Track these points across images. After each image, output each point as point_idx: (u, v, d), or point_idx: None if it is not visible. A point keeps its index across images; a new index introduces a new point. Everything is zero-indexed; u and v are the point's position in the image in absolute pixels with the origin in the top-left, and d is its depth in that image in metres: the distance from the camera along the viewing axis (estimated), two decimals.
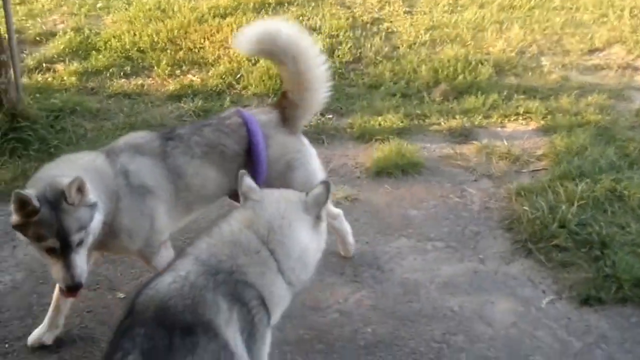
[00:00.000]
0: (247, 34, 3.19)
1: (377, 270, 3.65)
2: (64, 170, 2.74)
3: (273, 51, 3.19)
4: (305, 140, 3.34)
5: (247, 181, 2.34)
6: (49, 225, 2.55)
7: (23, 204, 2.52)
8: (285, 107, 3.24)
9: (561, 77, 5.81)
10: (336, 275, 3.61)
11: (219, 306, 2.04)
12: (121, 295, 3.49)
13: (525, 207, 3.97)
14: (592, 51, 6.26)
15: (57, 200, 2.55)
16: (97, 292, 3.50)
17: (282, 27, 3.18)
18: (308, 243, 2.31)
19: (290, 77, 3.23)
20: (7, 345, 3.15)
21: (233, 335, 2.05)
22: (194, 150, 3.05)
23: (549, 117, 5.14)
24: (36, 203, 2.49)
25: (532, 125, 5.07)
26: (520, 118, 5.14)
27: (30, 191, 2.54)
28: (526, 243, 3.79)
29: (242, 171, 2.36)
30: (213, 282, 2.08)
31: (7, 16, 4.81)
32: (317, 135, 4.94)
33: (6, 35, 4.81)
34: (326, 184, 2.35)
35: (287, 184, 3.03)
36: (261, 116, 3.22)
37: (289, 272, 2.25)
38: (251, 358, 2.12)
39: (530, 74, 5.86)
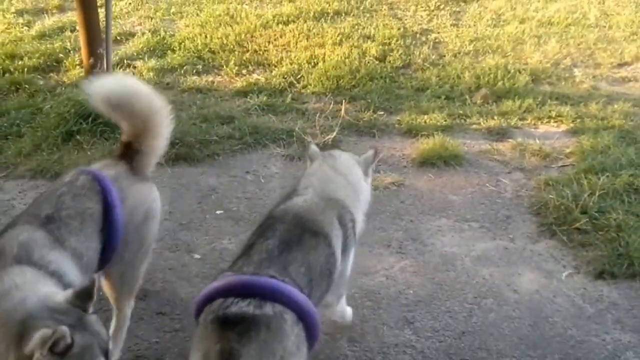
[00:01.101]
0: (102, 92, 2.93)
1: (419, 244, 4.03)
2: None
3: (127, 113, 2.94)
4: (155, 187, 3.10)
5: (313, 147, 3.14)
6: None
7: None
8: (132, 156, 2.97)
9: (591, 87, 6.09)
10: (383, 247, 4.01)
11: (333, 224, 2.76)
12: (197, 256, 3.87)
13: (551, 196, 4.31)
14: (621, 65, 6.51)
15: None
16: (177, 253, 3.89)
17: (139, 90, 2.95)
18: (364, 188, 3.09)
19: (136, 130, 2.96)
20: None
21: (337, 247, 2.75)
22: (73, 225, 2.61)
23: (578, 120, 5.43)
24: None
25: (563, 127, 5.37)
26: (552, 121, 5.45)
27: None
28: (551, 226, 4.13)
29: (309, 140, 2.88)
30: (335, 212, 2.81)
31: (107, 16, 5.28)
32: (369, 130, 5.35)
33: (104, 33, 5.32)
34: (375, 150, 3.13)
35: (144, 233, 2.95)
36: (109, 171, 2.89)
37: (364, 200, 3.08)
38: (342, 265, 2.84)
39: (563, 83, 6.15)
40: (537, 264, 3.87)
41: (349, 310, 3.32)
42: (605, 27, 7.33)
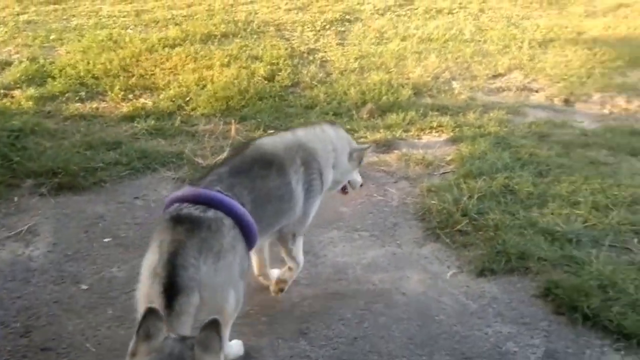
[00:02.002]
0: None
1: (312, 256, 4.08)
2: None
3: None
4: None
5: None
6: None
7: None
8: None
9: (469, 98, 6.39)
10: (277, 262, 4.04)
11: (294, 162, 3.29)
12: (84, 287, 3.75)
13: (434, 201, 4.50)
14: (495, 76, 6.87)
15: None
16: (62, 285, 3.74)
17: None
18: (343, 163, 3.66)
19: None
20: None
21: (296, 181, 3.28)
22: None
23: (457, 129, 5.68)
24: None
25: (444, 136, 5.61)
26: (434, 131, 5.67)
27: None
28: (435, 230, 4.30)
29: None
30: (302, 154, 3.32)
31: None
32: None
33: None
34: (370, 146, 3.95)
35: None
36: None
37: (336, 169, 3.59)
38: (304, 206, 3.39)
39: (443, 95, 6.43)
40: (423, 267, 4.02)
41: (301, 259, 3.67)
42: (480, 41, 7.70)
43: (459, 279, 3.90)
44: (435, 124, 5.78)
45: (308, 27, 8.18)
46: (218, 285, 2.82)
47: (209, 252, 2.73)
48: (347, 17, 8.53)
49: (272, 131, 5.65)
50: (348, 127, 5.73)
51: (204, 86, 6.42)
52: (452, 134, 5.64)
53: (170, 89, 6.41)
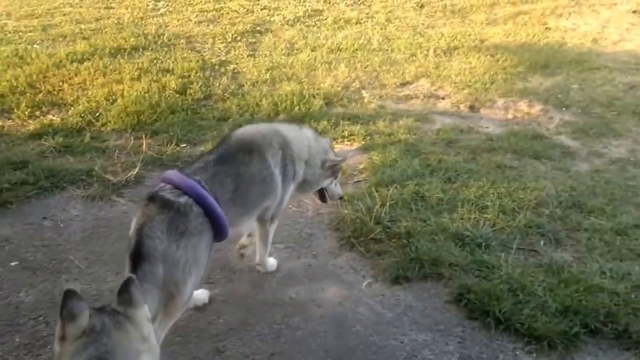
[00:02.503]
0: None
1: (228, 272, 3.96)
2: None
3: None
4: None
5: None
6: None
7: None
8: None
9: (378, 106, 6.39)
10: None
11: (272, 147, 3.55)
12: None
13: (347, 211, 4.45)
14: (403, 84, 6.91)
15: None
16: None
17: None
18: (315, 166, 3.86)
19: None
20: None
21: (274, 164, 3.53)
22: None
23: (368, 138, 5.65)
24: None
25: (355, 145, 5.57)
26: (346, 140, 5.63)
27: None
28: (350, 239, 4.23)
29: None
30: (278, 140, 3.58)
31: None
32: (173, 163, 5.19)
33: None
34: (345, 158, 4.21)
35: None
36: None
37: (308, 167, 3.81)
38: (281, 193, 3.65)
39: (353, 104, 6.41)
40: (339, 277, 3.94)
41: (269, 243, 3.95)
42: (387, 50, 7.74)
43: (374, 288, 3.84)
44: (347, 133, 5.74)
45: (219, 39, 8.02)
46: (179, 262, 2.96)
47: (173, 231, 2.96)
48: (258, 28, 8.43)
49: (184, 145, 5.50)
50: None
51: (114, 101, 6.19)
52: (363, 142, 5.61)
53: (79, 105, 6.15)
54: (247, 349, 3.34)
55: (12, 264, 3.97)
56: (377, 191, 4.66)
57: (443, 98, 6.62)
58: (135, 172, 4.98)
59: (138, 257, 2.82)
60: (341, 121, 5.99)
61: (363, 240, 4.22)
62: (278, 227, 4.40)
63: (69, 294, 1.98)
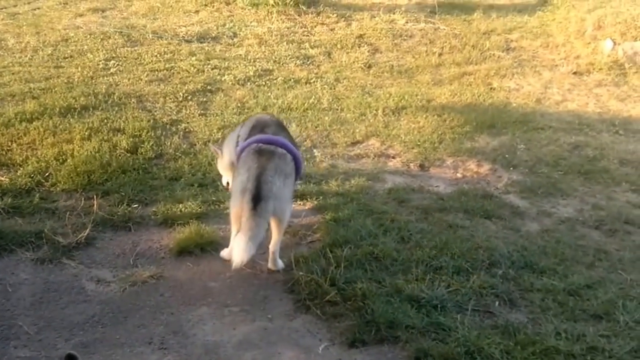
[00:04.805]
0: None
1: (181, 337, 3.90)
2: None
3: None
4: None
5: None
6: None
7: None
8: None
9: (330, 165, 6.42)
10: (144, 345, 3.82)
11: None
12: None
13: (301, 272, 4.44)
14: (354, 143, 6.96)
15: None
16: None
17: None
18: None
19: None
20: None
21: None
22: None
23: (321, 197, 5.67)
24: None
25: (308, 205, 5.58)
26: (299, 200, 5.60)
27: None
28: (305, 301, 4.22)
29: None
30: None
31: None
32: (125, 223, 5.14)
33: None
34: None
35: None
36: None
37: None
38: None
39: (305, 163, 6.42)
40: (295, 341, 3.92)
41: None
42: (337, 109, 7.82)
43: (331, 352, 3.83)
44: (299, 193, 5.73)
45: (170, 98, 8.00)
46: (284, 197, 4.43)
47: (280, 174, 4.38)
48: (209, 87, 8.44)
49: (136, 205, 5.43)
50: (214, 198, 5.64)
51: (64, 161, 6.06)
52: (316, 202, 5.62)
53: (28, 165, 5.98)
54: None
55: None
56: (331, 252, 4.66)
57: (393, 157, 6.71)
58: (85, 234, 4.89)
59: (258, 198, 4.20)
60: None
61: (319, 303, 4.21)
62: (232, 289, 4.41)
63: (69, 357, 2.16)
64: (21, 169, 5.96)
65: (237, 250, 4.25)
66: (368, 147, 6.92)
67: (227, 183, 5.28)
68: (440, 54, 9.90)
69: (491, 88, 8.83)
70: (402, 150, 6.82)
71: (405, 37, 10.50)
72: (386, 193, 5.90)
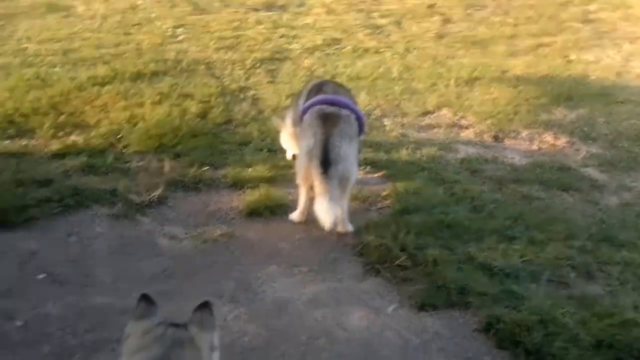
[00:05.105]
0: None
1: (251, 293, 4.04)
2: None
3: None
4: None
5: None
6: None
7: None
8: None
9: (400, 134, 6.47)
10: (216, 298, 3.95)
11: None
12: (19, 323, 3.65)
13: (372, 237, 4.52)
14: (425, 113, 6.99)
15: None
16: None
17: None
18: None
19: None
20: None
21: None
22: None
23: (391, 166, 5.72)
24: None
25: (378, 173, 5.64)
26: (368, 167, 5.69)
27: None
28: (375, 265, 4.29)
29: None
30: None
31: None
32: (195, 185, 5.32)
33: None
34: None
35: None
36: None
37: None
38: None
39: (375, 132, 6.50)
40: (364, 302, 4.00)
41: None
42: (408, 80, 7.85)
43: (400, 314, 3.90)
44: (369, 160, 5.81)
45: (238, 66, 8.17)
46: (351, 159, 4.50)
47: (345, 137, 4.44)
48: (277, 55, 8.58)
49: (206, 168, 5.61)
50: (282, 163, 5.75)
51: (136, 124, 6.30)
52: (386, 170, 5.67)
53: (101, 127, 6.25)
54: None
55: (40, 276, 4.09)
56: (402, 218, 4.73)
57: (466, 128, 6.70)
58: (158, 193, 5.08)
59: (327, 162, 4.31)
60: (363, 148, 6.05)
61: (388, 267, 4.28)
62: (301, 250, 4.53)
63: (144, 297, 2.13)
64: (95, 130, 6.22)
65: (323, 214, 4.34)
66: (440, 117, 6.94)
67: (293, 156, 5.40)
68: (514, 25, 9.79)
69: (568, 60, 8.69)
70: (476, 121, 6.81)
71: (478, 8, 10.42)
72: (458, 163, 5.91)
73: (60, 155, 5.73)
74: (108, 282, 4.08)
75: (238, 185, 5.37)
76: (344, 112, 4.54)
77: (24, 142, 6.00)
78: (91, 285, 4.03)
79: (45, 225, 4.64)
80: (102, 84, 7.28)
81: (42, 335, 3.57)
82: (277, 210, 4.99)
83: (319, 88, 4.84)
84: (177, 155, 5.81)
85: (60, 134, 6.16)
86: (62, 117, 6.43)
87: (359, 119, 4.65)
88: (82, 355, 3.44)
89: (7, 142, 5.98)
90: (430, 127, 6.74)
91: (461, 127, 6.75)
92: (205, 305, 2.02)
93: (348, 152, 4.46)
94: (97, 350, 3.47)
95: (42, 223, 4.66)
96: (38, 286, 4.00)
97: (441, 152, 6.10)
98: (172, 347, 1.91)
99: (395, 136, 6.46)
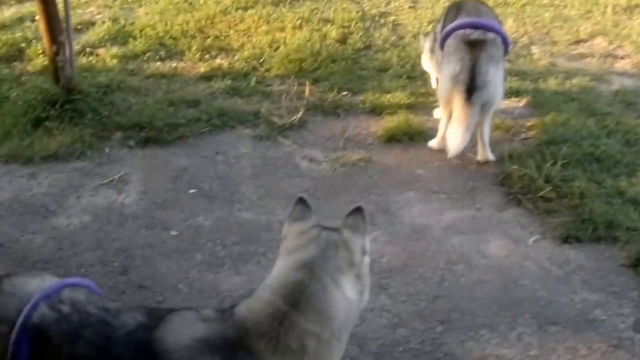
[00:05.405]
0: None
1: (390, 216, 4.11)
2: None
3: None
4: None
5: None
6: None
7: None
8: None
9: (549, 63, 6.20)
10: None
11: None
12: (174, 233, 3.93)
13: (515, 166, 4.43)
14: (577, 42, 6.64)
15: None
16: (153, 230, 3.96)
17: None
18: None
19: None
20: (82, 270, 3.60)
21: None
22: None
23: (538, 95, 5.52)
24: None
25: (523, 102, 5.47)
26: (513, 96, 5.51)
27: None
28: (516, 195, 4.23)
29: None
30: None
31: (66, 5, 5.16)
32: (334, 110, 5.40)
33: (64, 20, 5.23)
34: None
35: None
36: None
37: None
38: None
39: (521, 60, 6.27)
40: (504, 231, 3.97)
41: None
42: (559, 6, 7.48)
43: (542, 245, 3.84)
44: (514, 89, 5.63)
45: None
46: (496, 84, 4.44)
47: (492, 61, 4.37)
48: None
49: (345, 93, 5.66)
50: (422, 90, 5.70)
51: (277, 48, 6.44)
52: (532, 99, 5.49)
53: (244, 50, 6.45)
54: (410, 289, 3.49)
55: (191, 191, 4.37)
56: (547, 149, 4.59)
57: (622, 58, 6.32)
58: (298, 116, 5.21)
59: (472, 88, 4.29)
60: (508, 76, 5.86)
61: (531, 197, 4.21)
62: (439, 177, 4.54)
63: (300, 200, 2.17)
64: (238, 54, 6.43)
65: (453, 140, 4.36)
66: (593, 46, 6.59)
67: (437, 80, 5.33)
68: None
69: None
70: (633, 51, 6.41)
71: None
72: (612, 95, 5.62)
73: (206, 77, 6.00)
74: (253, 199, 4.29)
75: (376, 111, 5.39)
76: (490, 35, 4.42)
77: (173, 64, 6.32)
78: (238, 202, 4.26)
79: (194, 144, 4.93)
80: (245, 8, 7.45)
81: (195, 245, 3.84)
82: (416, 137, 4.99)
83: (458, 8, 4.67)
84: (316, 80, 5.90)
85: (207, 56, 6.41)
86: (208, 41, 6.69)
87: (504, 40, 4.52)
88: (231, 266, 3.67)
89: (158, 63, 6.31)
90: (582, 56, 6.41)
91: (616, 57, 6.38)
92: (358, 211, 2.07)
93: (494, 76, 4.40)
94: (245, 261, 3.69)
95: (191, 141, 4.95)
96: (190, 200, 4.28)
97: (593, 82, 5.81)
98: (326, 248, 1.97)
99: (543, 65, 6.21)
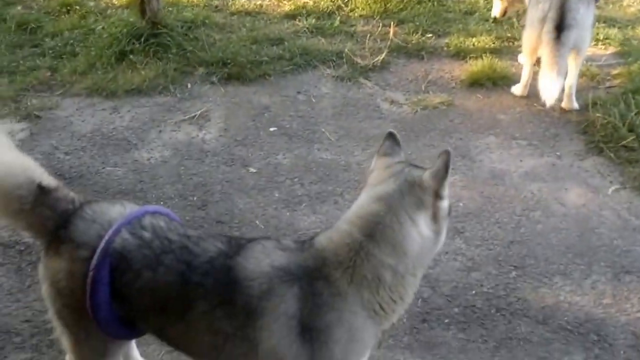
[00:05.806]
0: None
1: (468, 160, 4.15)
2: None
3: None
4: None
5: None
6: None
7: None
8: None
9: (639, 11, 6.04)
10: (433, 162, 4.14)
11: None
12: (253, 170, 4.05)
13: (599, 114, 4.38)
14: None
15: None
16: (233, 167, 4.08)
17: None
18: None
19: None
20: (162, 203, 3.71)
21: None
22: None
23: (626, 43, 5.40)
24: None
25: (610, 49, 5.36)
26: (600, 43, 5.41)
27: None
28: (598, 143, 4.22)
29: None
30: None
31: None
32: (418, 52, 5.43)
33: None
34: None
35: None
36: None
37: None
38: None
39: (610, 6, 6.10)
40: (584, 180, 3.98)
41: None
42: None
43: (621, 195, 3.84)
44: (601, 36, 5.51)
45: None
46: (586, 25, 4.39)
47: (583, 0, 4.29)
48: None
49: (429, 35, 5.65)
50: (508, 35, 5.65)
51: None
52: (619, 48, 5.37)
53: None
54: (486, 234, 3.55)
55: (271, 129, 4.49)
56: (633, 99, 4.51)
57: None
58: (381, 58, 5.25)
59: (561, 26, 4.25)
60: (596, 23, 5.72)
61: (613, 146, 4.18)
62: (521, 123, 4.53)
63: (390, 135, 2.22)
64: None
65: (547, 86, 4.33)
66: None
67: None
68: None
69: None
70: None
71: None
72: None
73: (291, 15, 6.09)
74: (333, 139, 4.39)
75: (460, 54, 5.39)
76: None
77: (258, 1, 6.42)
78: (317, 141, 4.36)
79: (276, 82, 5.04)
80: None
81: (273, 182, 3.95)
82: (499, 82, 4.98)
83: None
84: (401, 21, 5.91)
85: None
86: None
87: None
88: (308, 204, 3.78)
89: (243, 0, 6.41)
90: None
91: None
92: (444, 154, 2.11)
93: (585, 17, 4.35)
94: (322, 201, 3.80)
95: (273, 80, 5.06)
96: (269, 138, 4.40)
97: None
98: (402, 185, 2.01)
99: (633, 12, 6.03)
